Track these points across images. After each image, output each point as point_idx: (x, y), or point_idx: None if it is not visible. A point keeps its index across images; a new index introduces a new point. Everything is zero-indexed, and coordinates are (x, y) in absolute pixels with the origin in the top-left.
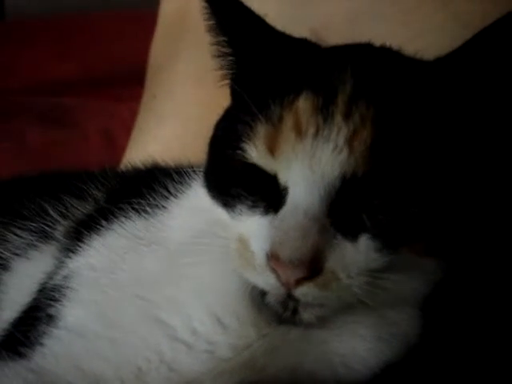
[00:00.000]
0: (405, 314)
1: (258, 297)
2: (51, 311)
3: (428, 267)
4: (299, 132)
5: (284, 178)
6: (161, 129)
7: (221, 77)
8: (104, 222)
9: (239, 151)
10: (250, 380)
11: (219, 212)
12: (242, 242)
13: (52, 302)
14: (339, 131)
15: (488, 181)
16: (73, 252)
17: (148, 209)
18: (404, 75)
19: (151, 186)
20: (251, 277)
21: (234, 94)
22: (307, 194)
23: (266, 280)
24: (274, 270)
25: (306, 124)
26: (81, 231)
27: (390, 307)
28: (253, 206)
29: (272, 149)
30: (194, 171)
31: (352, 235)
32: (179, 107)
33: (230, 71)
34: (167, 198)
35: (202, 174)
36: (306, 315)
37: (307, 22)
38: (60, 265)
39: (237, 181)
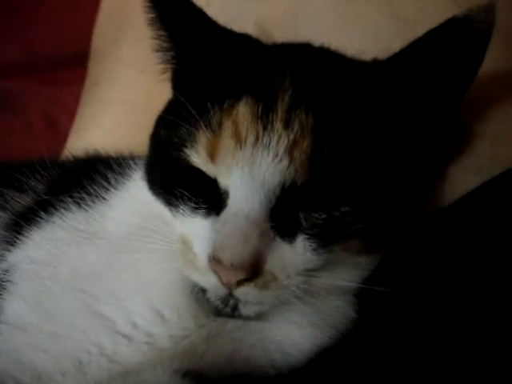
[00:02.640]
0: (338, 301)
1: (198, 292)
2: None
3: (360, 261)
4: (239, 139)
5: (224, 182)
6: (103, 117)
7: (162, 70)
8: (43, 215)
9: (182, 154)
10: (190, 367)
11: (161, 208)
12: (185, 243)
13: None
14: (279, 140)
15: (413, 180)
16: (12, 245)
17: (88, 201)
18: (343, 79)
19: (92, 177)
20: (194, 277)
21: (176, 88)
22: (248, 200)
23: (208, 280)
24: (215, 272)
25: (245, 131)
26: (20, 224)
27: (324, 297)
28: (195, 208)
29: (212, 155)
30: (134, 162)
31: (290, 237)
32: (122, 95)
33: (171, 66)
34: (107, 190)
35: (143, 166)
36: (246, 311)
37: (252, 16)
38: (0, 258)
39: (180, 182)
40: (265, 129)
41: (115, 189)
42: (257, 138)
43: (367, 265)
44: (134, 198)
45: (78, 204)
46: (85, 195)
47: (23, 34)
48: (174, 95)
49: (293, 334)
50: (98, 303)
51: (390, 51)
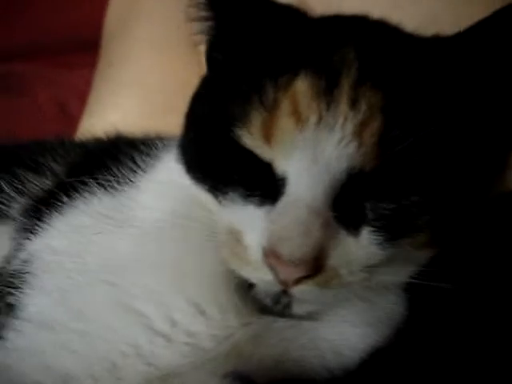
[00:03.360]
0: (391, 298)
1: (244, 287)
2: (11, 300)
3: (418, 256)
4: (299, 119)
5: (282, 167)
6: (119, 98)
7: (196, 42)
8: (66, 199)
9: (231, 134)
10: (236, 370)
11: (200, 194)
12: (233, 234)
13: (11, 290)
14: (345, 120)
15: (482, 168)
16: (32, 233)
17: (115, 184)
18: (411, 55)
19: (117, 158)
20: (244, 272)
21: (213, 63)
22: (310, 187)
23: (261, 277)
24: (271, 267)
25: (306, 110)
26: (40, 209)
27: (378, 293)
28: (247, 195)
29: (268, 136)
30: (162, 143)
31: (354, 229)
32: (138, 75)
33: (208, 38)
34: (135, 172)
35: (176, 147)
36: (299, 310)
37: None
38: (18, 247)
39: (228, 165)
40: (328, 107)
41: (143, 171)
42: (320, 118)
43: (423, 259)
44: (166, 181)
45: (104, 187)
46: (110, 178)
47: (33, 17)
48: (213, 70)
49: (346, 333)
50: (131, 298)
51: (438, 27)
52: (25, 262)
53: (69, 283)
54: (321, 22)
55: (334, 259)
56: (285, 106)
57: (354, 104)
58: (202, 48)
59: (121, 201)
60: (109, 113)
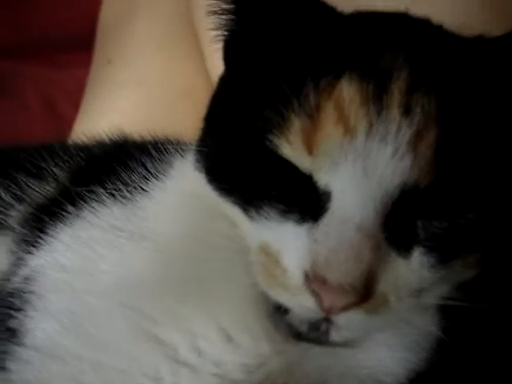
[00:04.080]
0: (427, 319)
1: (277, 311)
2: (12, 324)
3: (463, 276)
4: (347, 127)
5: (325, 180)
6: (119, 98)
7: (215, 38)
8: (71, 208)
9: (267, 142)
10: None
11: (225, 207)
12: (268, 253)
13: (12, 312)
14: (399, 130)
15: None
16: (34, 246)
17: (125, 192)
18: (463, 58)
19: (126, 163)
20: (281, 297)
21: (234, 62)
22: (359, 204)
23: (302, 303)
24: (314, 293)
25: (354, 117)
26: (42, 219)
27: (417, 315)
28: (284, 210)
29: (310, 145)
30: (175, 148)
31: (405, 250)
32: (140, 75)
33: (228, 33)
34: (147, 180)
35: (194, 154)
36: (337, 337)
37: None
38: (18, 262)
39: (262, 177)
40: (379, 115)
41: (156, 179)
42: (370, 126)
43: (465, 278)
44: (183, 191)
45: (113, 196)
46: (121, 185)
47: (20, 15)
48: (234, 68)
49: (385, 358)
50: (152, 323)
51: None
52: (27, 279)
53: (79, 305)
54: (357, 19)
55: (384, 284)
56: (329, 111)
57: (407, 112)
58: (209, 45)
59: (133, 211)
60: (106, 114)
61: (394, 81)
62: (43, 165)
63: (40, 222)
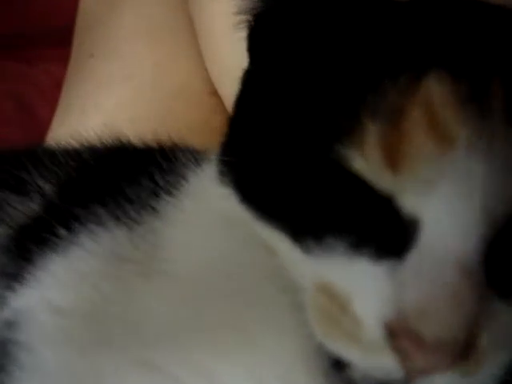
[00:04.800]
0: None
1: (334, 365)
2: None
3: None
4: (441, 137)
5: (412, 205)
6: (103, 96)
7: (241, 24)
8: (63, 232)
9: (330, 154)
10: None
11: (267, 234)
12: (333, 297)
13: None
14: (506, 141)
15: None
16: (17, 280)
17: (131, 211)
18: None
19: (129, 174)
20: (347, 352)
21: (264, 52)
22: (460, 236)
23: (379, 362)
24: (399, 351)
25: (451, 124)
26: (26, 245)
27: None
28: (357, 243)
29: (393, 159)
30: (187, 156)
31: (508, 293)
32: (126, 70)
33: (258, 17)
34: (156, 196)
35: (217, 165)
36: None
37: None
38: None
39: (324, 199)
40: (481, 122)
41: (168, 194)
42: (471, 136)
43: None
44: (207, 210)
45: (116, 216)
46: (124, 203)
47: None
48: (267, 61)
49: None
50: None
51: None
52: (9, 325)
53: (82, 363)
54: (423, 6)
55: (487, 337)
56: (418, 116)
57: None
58: (207, 37)
59: (141, 236)
60: (89, 114)
61: (496, 82)
62: (25, 176)
63: (24, 249)
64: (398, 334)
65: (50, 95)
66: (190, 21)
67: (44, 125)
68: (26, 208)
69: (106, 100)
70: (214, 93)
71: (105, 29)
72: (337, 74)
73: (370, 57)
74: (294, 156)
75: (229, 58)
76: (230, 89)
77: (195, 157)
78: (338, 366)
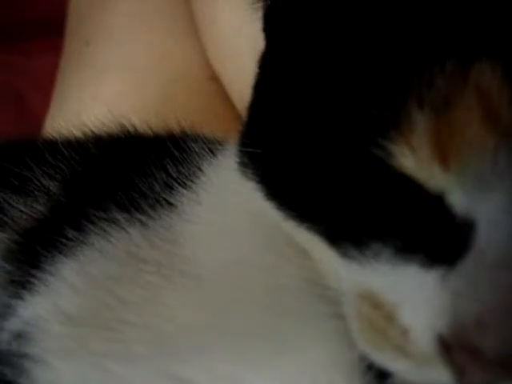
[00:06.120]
0: None
1: (374, 376)
2: None
3: None
4: (500, 129)
5: (467, 205)
6: (101, 85)
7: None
8: (73, 233)
9: (371, 148)
10: None
11: (299, 235)
12: (378, 307)
13: None
14: None
15: None
16: (25, 288)
17: (145, 207)
18: None
19: (140, 167)
20: (395, 364)
21: (286, 33)
22: None
23: (430, 375)
24: (454, 365)
25: (508, 115)
26: (34, 249)
27: None
28: (403, 249)
29: (445, 154)
30: (201, 146)
31: None
32: (125, 59)
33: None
34: (171, 189)
35: (239, 155)
36: None
37: None
38: (5, 312)
39: (365, 198)
40: None
41: (184, 187)
42: None
43: None
44: (229, 205)
45: (129, 213)
46: (139, 199)
47: None
48: (287, 42)
49: None
50: None
51: None
52: (19, 336)
53: (102, 377)
54: None
55: None
56: (471, 106)
57: None
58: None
59: (158, 234)
60: (86, 104)
61: None
62: (27, 174)
63: (31, 254)
64: (453, 347)
65: (44, 86)
66: (186, 6)
67: (38, 116)
68: (30, 209)
69: (104, 89)
70: (214, 78)
71: (100, 16)
72: (376, 57)
73: (413, 38)
74: (329, 149)
75: (232, 43)
76: (233, 74)
77: (209, 146)
78: (380, 377)
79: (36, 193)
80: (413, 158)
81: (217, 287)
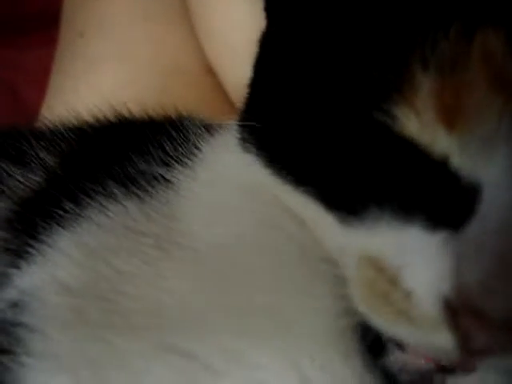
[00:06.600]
0: None
1: (371, 351)
2: None
3: None
4: (506, 91)
5: (473, 168)
6: (97, 76)
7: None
8: (70, 205)
9: (375, 112)
10: None
11: (298, 201)
12: (382, 270)
13: None
14: None
15: None
16: (22, 257)
17: (142, 182)
18: None
19: (140, 146)
20: (399, 329)
21: (286, 9)
22: None
23: (433, 340)
24: (460, 329)
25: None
26: (32, 220)
27: None
28: (407, 211)
29: (450, 117)
30: (198, 126)
31: None
32: (121, 49)
33: None
34: (168, 167)
35: (239, 131)
36: None
37: None
38: (1, 281)
39: (367, 162)
40: None
41: (180, 164)
42: None
43: None
44: (226, 179)
45: (126, 188)
46: (135, 174)
47: None
48: (293, 15)
49: None
50: (209, 372)
51: None
52: (15, 306)
53: (98, 348)
54: None
55: None
56: (477, 68)
57: None
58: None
59: (155, 208)
60: (82, 94)
61: None
62: (25, 147)
63: (28, 223)
64: (458, 311)
65: (39, 80)
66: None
67: (32, 109)
68: (27, 180)
69: (101, 80)
70: (210, 71)
71: (94, 6)
72: (379, 21)
73: (417, 1)
74: (331, 114)
75: (229, 35)
76: (230, 67)
77: (205, 126)
78: (376, 353)
79: (33, 165)
80: (416, 121)
81: (214, 261)
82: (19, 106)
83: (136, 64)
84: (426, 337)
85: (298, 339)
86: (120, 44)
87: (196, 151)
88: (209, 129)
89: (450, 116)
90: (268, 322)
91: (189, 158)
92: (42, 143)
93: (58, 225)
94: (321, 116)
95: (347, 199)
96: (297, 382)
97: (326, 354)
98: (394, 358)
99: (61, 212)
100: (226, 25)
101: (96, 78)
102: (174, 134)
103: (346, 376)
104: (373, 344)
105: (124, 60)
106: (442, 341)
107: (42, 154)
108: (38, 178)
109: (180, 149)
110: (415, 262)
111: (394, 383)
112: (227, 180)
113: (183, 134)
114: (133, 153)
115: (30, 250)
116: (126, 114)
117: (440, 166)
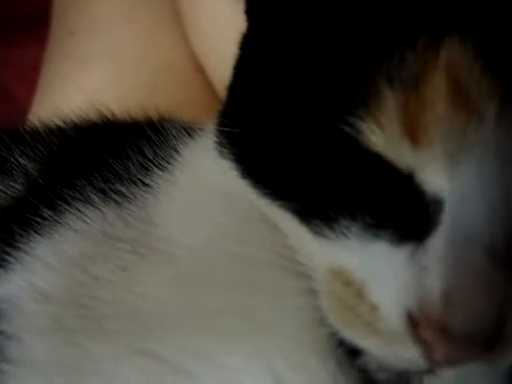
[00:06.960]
0: None
1: (346, 352)
2: None
3: None
4: (468, 105)
5: (436, 183)
6: (85, 76)
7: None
8: (48, 212)
9: (341, 126)
10: None
11: (272, 213)
12: (348, 284)
13: None
14: None
15: None
16: (0, 265)
17: (120, 187)
18: None
19: (116, 149)
20: (364, 341)
21: (265, 13)
22: (490, 218)
23: (398, 352)
24: (422, 342)
25: (477, 92)
26: (9, 227)
27: None
28: (373, 225)
29: (414, 131)
30: (178, 129)
31: None
32: (109, 49)
33: None
34: (147, 171)
35: (217, 135)
36: None
37: None
38: None
39: (337, 175)
40: (507, 93)
41: (159, 169)
42: (501, 105)
43: None
44: (203, 185)
45: (104, 193)
46: (113, 179)
47: None
48: (269, 23)
49: None
50: (182, 376)
51: None
52: None
53: (72, 353)
54: None
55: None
56: (440, 82)
57: None
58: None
59: (132, 214)
60: (70, 94)
61: None
62: (5, 154)
63: (6, 232)
64: (421, 324)
65: (29, 78)
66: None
67: (23, 107)
68: (7, 188)
69: (88, 80)
70: (199, 69)
71: (85, 6)
72: (347, 34)
73: (384, 15)
74: (302, 127)
75: (217, 34)
76: (217, 65)
77: (186, 129)
78: (352, 353)
79: (14, 172)
80: (382, 136)
81: (190, 264)
82: (10, 104)
83: (123, 63)
84: (391, 350)
85: (272, 340)
86: (108, 44)
87: (175, 155)
88: (189, 132)
89: (415, 131)
90: (241, 324)
91: (168, 162)
92: (22, 149)
93: (36, 232)
94: (292, 126)
95: (318, 211)
96: (270, 382)
97: (300, 354)
98: (371, 358)
99: (38, 219)
100: (212, 24)
101: (83, 78)
102: (153, 137)
103: (322, 376)
104: (350, 343)
105: (111, 59)
106: (407, 353)
107: (23, 161)
108: (18, 186)
109: (159, 153)
110: (380, 275)
111: (372, 383)
112: (205, 185)
113: (163, 138)
114: (112, 157)
115: (8, 257)
116: (109, 116)
117: (405, 180)
